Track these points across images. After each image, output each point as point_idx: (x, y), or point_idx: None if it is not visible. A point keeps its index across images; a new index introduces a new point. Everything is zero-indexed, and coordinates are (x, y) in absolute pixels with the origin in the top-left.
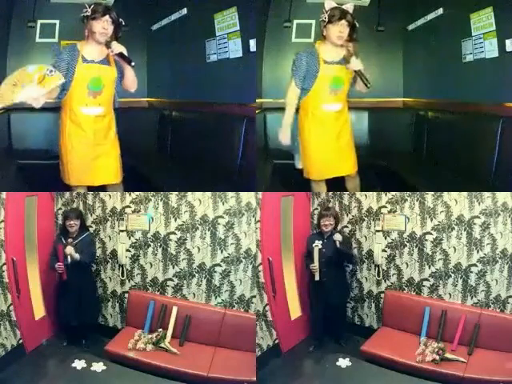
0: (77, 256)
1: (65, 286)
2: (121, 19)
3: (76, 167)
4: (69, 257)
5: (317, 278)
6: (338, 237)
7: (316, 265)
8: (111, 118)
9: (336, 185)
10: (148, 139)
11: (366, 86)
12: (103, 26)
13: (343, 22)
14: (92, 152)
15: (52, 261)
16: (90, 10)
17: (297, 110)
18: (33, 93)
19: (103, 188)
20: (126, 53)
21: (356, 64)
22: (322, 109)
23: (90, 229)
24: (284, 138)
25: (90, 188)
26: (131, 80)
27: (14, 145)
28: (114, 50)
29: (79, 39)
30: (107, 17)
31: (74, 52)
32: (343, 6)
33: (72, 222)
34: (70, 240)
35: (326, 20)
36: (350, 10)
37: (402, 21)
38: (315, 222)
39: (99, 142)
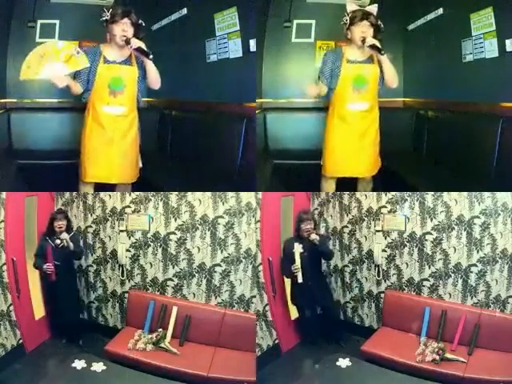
0: (71, 244)
1: (53, 287)
2: (141, 20)
3: (93, 163)
4: (64, 241)
5: (300, 279)
6: (314, 236)
7: (298, 265)
8: (133, 117)
9: (346, 186)
10: (148, 139)
11: (380, 52)
12: (123, 29)
13: (365, 22)
14: (110, 150)
15: (38, 261)
16: (109, 14)
17: (325, 110)
18: (57, 70)
19: (113, 186)
20: (144, 47)
21: (370, 40)
22: (346, 108)
23: (90, 229)
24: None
25: (98, 186)
26: (154, 77)
27: (14, 145)
28: (132, 46)
29: (79, 39)
30: (126, 19)
31: (96, 53)
32: (366, 8)
33: (61, 223)
34: (58, 241)
35: (348, 22)
36: (374, 12)
37: (402, 21)
38: (295, 225)
39: (118, 141)
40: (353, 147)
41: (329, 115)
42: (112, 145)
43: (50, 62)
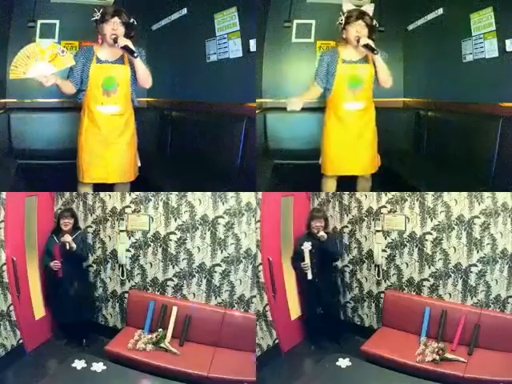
0: (74, 245)
1: (59, 285)
2: (132, 19)
3: (89, 164)
4: (67, 244)
5: (309, 276)
6: (321, 233)
7: (307, 263)
8: (129, 116)
9: (346, 186)
10: (148, 139)
11: (373, 52)
12: (113, 28)
13: (360, 22)
14: (106, 150)
15: (45, 259)
16: (99, 14)
17: (323, 110)
18: (44, 69)
19: (112, 185)
20: (131, 45)
21: (364, 40)
22: (343, 107)
23: (90, 229)
24: (293, 103)
25: (97, 186)
26: (143, 76)
27: (13, 145)
28: (119, 44)
29: (79, 39)
30: (116, 18)
31: (89, 53)
32: (362, 8)
33: (67, 221)
34: (63, 238)
35: (343, 22)
36: (370, 12)
37: (402, 21)
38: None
39: (114, 141)
40: (350, 146)
41: (326, 115)
42: (108, 145)
43: (36, 61)
